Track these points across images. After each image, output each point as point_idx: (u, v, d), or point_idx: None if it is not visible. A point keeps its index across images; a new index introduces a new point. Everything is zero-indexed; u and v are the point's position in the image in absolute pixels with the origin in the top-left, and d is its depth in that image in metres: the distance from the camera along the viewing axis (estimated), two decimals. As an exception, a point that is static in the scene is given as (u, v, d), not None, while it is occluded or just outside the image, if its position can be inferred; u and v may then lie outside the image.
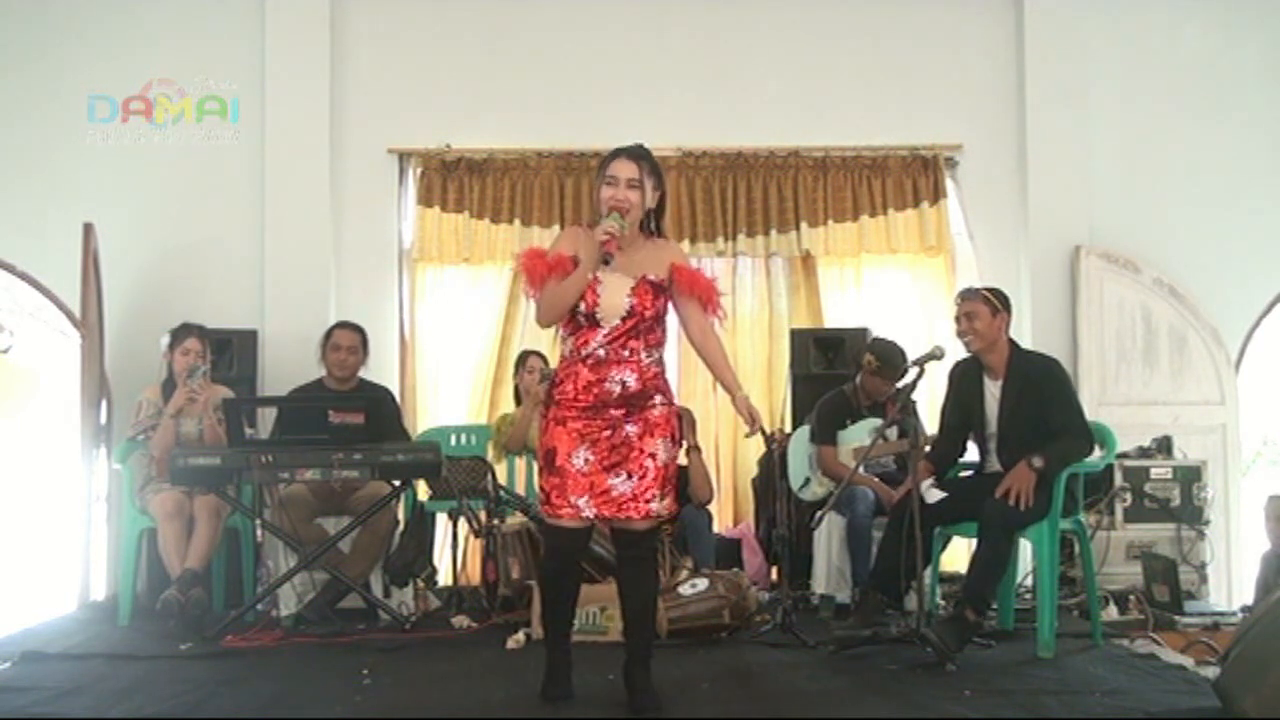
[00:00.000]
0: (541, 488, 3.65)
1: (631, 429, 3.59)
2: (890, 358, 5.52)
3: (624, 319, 3.60)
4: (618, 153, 3.68)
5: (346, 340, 5.71)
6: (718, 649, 4.62)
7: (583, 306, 3.59)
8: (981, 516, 4.49)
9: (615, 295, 3.60)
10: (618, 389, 3.58)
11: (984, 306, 4.72)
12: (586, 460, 3.56)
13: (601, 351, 3.59)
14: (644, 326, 3.63)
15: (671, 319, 3.79)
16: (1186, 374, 6.59)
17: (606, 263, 3.55)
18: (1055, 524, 4.58)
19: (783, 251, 6.75)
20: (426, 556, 5.41)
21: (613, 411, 3.58)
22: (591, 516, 3.58)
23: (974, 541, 5.07)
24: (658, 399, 3.64)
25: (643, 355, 3.64)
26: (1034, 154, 6.74)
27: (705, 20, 6.88)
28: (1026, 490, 4.45)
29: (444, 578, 5.62)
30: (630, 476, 3.57)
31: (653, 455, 3.60)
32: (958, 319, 4.79)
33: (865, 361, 5.62)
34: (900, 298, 6.82)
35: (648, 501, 3.58)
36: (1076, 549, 5.29)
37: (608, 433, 3.57)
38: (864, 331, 6.29)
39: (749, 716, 3.69)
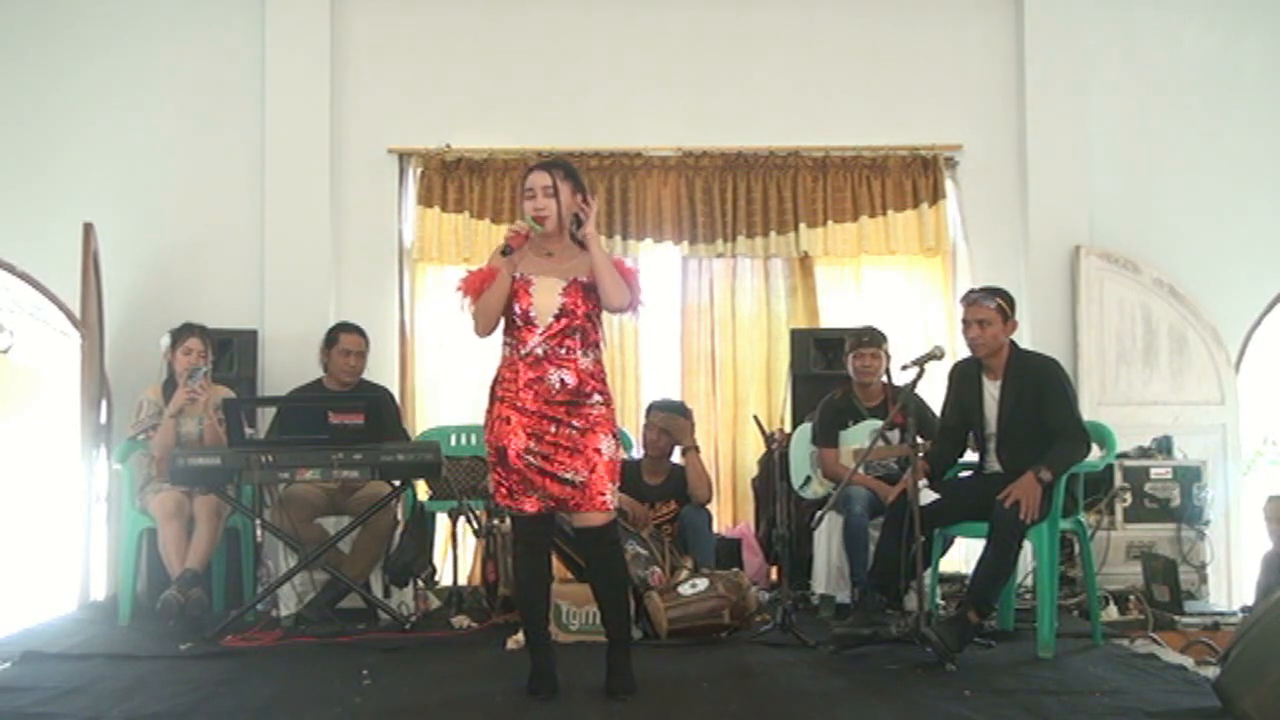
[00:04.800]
0: (497, 484, 3.83)
1: (576, 426, 3.77)
2: (859, 332, 5.78)
3: (557, 317, 3.79)
4: (531, 168, 3.92)
5: (355, 345, 5.72)
6: (718, 649, 4.62)
7: (518, 308, 3.80)
8: (992, 520, 4.49)
9: (548, 295, 3.80)
10: (557, 385, 3.77)
11: (998, 315, 4.73)
12: (535, 454, 3.75)
13: (540, 350, 3.79)
14: (578, 326, 3.81)
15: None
16: (1186, 374, 6.59)
17: (505, 253, 3.79)
18: (1055, 524, 4.58)
19: (782, 253, 6.75)
20: (426, 556, 5.41)
21: (555, 410, 3.76)
22: (552, 504, 3.80)
23: (972, 541, 5.08)
24: (596, 397, 3.83)
25: (579, 355, 3.82)
26: (1034, 154, 6.74)
27: (705, 20, 6.88)
28: (1033, 504, 4.43)
29: (444, 578, 5.62)
30: (579, 472, 3.76)
31: (598, 450, 3.79)
32: (967, 323, 4.78)
33: (845, 350, 5.78)
34: (898, 299, 6.82)
35: (601, 494, 3.78)
36: (1076, 549, 5.30)
37: (553, 429, 3.76)
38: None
39: (749, 716, 3.69)
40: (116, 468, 5.75)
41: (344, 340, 5.71)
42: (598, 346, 3.89)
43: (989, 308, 4.73)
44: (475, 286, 3.82)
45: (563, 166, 3.91)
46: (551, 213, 3.82)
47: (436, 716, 3.72)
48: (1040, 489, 4.46)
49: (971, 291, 4.92)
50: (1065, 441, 4.58)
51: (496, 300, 3.78)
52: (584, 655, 4.23)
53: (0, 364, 7.06)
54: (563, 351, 3.79)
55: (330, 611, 5.20)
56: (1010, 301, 4.80)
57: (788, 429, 6.09)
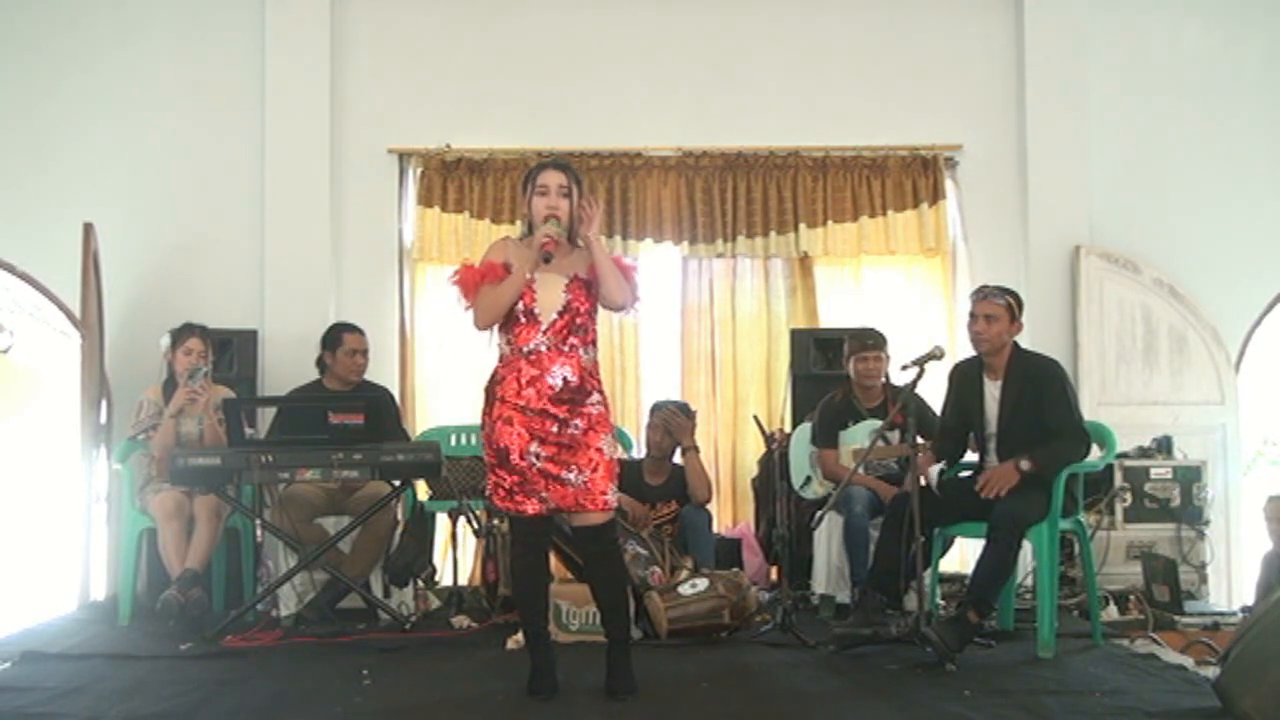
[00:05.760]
0: (497, 485, 3.83)
1: (577, 426, 3.77)
2: (859, 333, 5.78)
3: (560, 314, 3.81)
4: (544, 165, 3.95)
5: (361, 344, 5.75)
6: (718, 649, 4.62)
7: (521, 305, 3.81)
8: (991, 520, 4.50)
9: (551, 292, 3.82)
10: (559, 383, 3.77)
11: (1006, 313, 4.73)
12: (539, 455, 3.75)
13: (543, 347, 3.80)
14: (580, 322, 3.84)
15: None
16: (1186, 374, 6.59)
17: (547, 260, 3.77)
18: (1055, 524, 4.58)
19: (782, 253, 6.75)
20: (426, 556, 5.41)
21: (558, 409, 3.76)
22: (554, 506, 3.80)
23: (972, 541, 5.08)
24: (595, 396, 3.84)
25: (581, 351, 3.84)
26: (1034, 154, 6.74)
27: (705, 20, 6.88)
28: (1002, 486, 4.50)
29: (444, 578, 5.61)
30: (582, 470, 3.76)
31: (599, 450, 3.80)
32: (974, 316, 4.77)
33: (845, 352, 5.78)
34: (898, 299, 6.81)
35: (603, 493, 3.79)
36: (1076, 549, 5.30)
37: (555, 429, 3.76)
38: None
39: (749, 716, 3.69)
40: (116, 468, 5.75)
41: (349, 340, 5.73)
42: (595, 345, 3.91)
43: (999, 304, 4.74)
44: (473, 282, 3.82)
45: (573, 169, 3.95)
46: (565, 212, 3.84)
47: (436, 716, 3.72)
48: (1016, 476, 4.50)
49: (984, 287, 4.91)
50: (1062, 441, 4.59)
51: (509, 299, 3.79)
52: (584, 655, 4.23)
53: (0, 364, 7.06)
54: (565, 348, 3.80)
55: (330, 611, 5.21)
56: (1019, 303, 4.81)
57: (788, 429, 6.09)
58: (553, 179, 3.86)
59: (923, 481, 4.78)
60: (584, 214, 3.86)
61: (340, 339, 5.73)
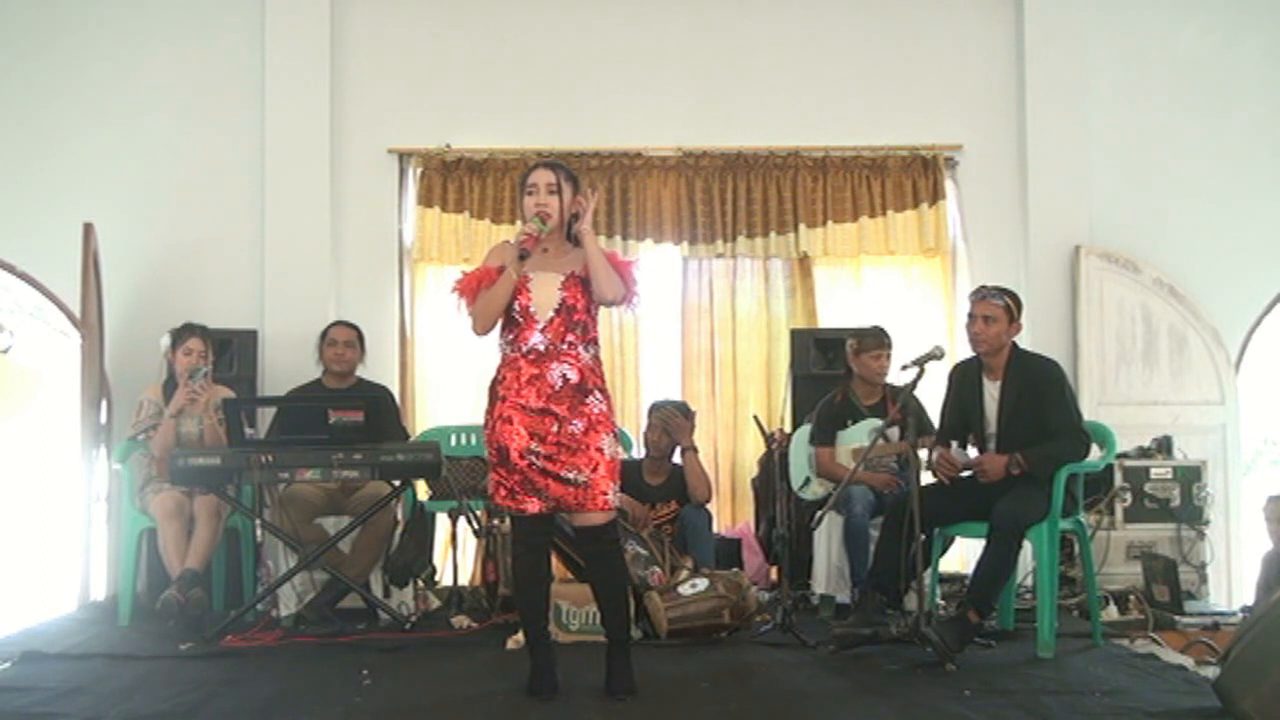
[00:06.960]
0: (497, 484, 3.84)
1: (576, 426, 3.78)
2: (865, 332, 5.76)
3: (557, 312, 3.82)
4: (535, 165, 3.99)
5: (343, 335, 5.79)
6: (718, 649, 4.62)
7: (517, 305, 3.82)
8: (991, 520, 4.51)
9: (547, 290, 3.83)
10: (560, 382, 3.78)
11: (1004, 314, 4.73)
12: (538, 455, 3.76)
13: (541, 345, 3.81)
14: (577, 319, 3.84)
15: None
16: (1186, 374, 6.59)
17: (523, 258, 3.80)
18: (1055, 524, 4.58)
19: (781, 254, 6.75)
20: (426, 556, 5.40)
21: (558, 406, 3.76)
22: (553, 504, 3.80)
23: (972, 541, 5.09)
24: (596, 394, 3.84)
25: (580, 349, 3.84)
26: (1034, 154, 6.74)
27: (705, 21, 6.88)
28: (993, 476, 4.58)
29: (444, 578, 5.61)
30: (582, 470, 3.76)
31: (600, 450, 3.80)
32: (972, 317, 4.78)
33: (848, 349, 5.77)
34: (898, 299, 6.81)
35: (604, 493, 3.79)
36: (1076, 549, 5.30)
37: (555, 428, 3.77)
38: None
39: (749, 716, 3.69)
40: (116, 468, 5.75)
41: (332, 331, 5.83)
42: (596, 343, 3.91)
43: (997, 305, 4.74)
44: (471, 287, 3.83)
45: (565, 168, 3.96)
46: (554, 210, 3.85)
47: (436, 716, 3.72)
48: (1004, 469, 4.57)
49: (983, 287, 4.92)
50: (1056, 441, 4.60)
51: (501, 300, 3.80)
52: (584, 655, 4.23)
53: (0, 364, 7.06)
54: (564, 346, 3.80)
55: (330, 611, 5.21)
56: (1018, 303, 4.81)
57: (788, 429, 6.08)
58: (541, 177, 3.87)
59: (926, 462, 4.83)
60: (579, 208, 3.87)
61: (327, 332, 5.82)
